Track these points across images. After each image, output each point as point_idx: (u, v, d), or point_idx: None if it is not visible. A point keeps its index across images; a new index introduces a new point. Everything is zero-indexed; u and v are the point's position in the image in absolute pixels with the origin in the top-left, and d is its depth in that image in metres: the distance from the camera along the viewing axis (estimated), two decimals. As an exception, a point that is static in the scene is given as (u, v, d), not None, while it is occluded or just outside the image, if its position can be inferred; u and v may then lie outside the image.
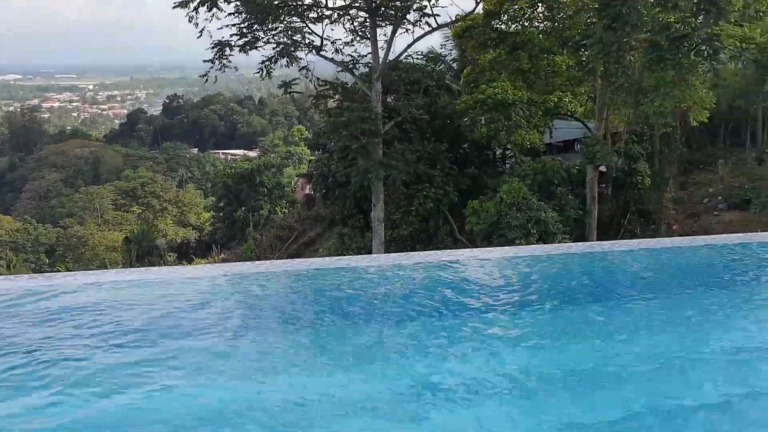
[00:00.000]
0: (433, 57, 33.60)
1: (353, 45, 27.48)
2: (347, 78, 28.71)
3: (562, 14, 26.70)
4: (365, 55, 27.08)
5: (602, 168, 28.59)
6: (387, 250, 24.50)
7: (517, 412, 3.96)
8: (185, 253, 51.84)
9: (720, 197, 29.70)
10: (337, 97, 28.63)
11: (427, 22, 26.84)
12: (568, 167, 28.54)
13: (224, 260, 38.76)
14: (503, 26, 28.19)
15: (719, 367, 4.42)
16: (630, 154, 29.92)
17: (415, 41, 27.55)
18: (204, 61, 26.08)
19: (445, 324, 5.21)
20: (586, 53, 25.07)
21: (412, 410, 3.99)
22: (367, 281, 6.29)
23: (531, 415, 3.90)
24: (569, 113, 30.99)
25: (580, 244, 7.24)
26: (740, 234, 7.75)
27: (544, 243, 20.06)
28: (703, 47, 22.28)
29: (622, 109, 26.53)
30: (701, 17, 22.41)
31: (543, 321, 5.36)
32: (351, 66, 27.20)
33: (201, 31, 25.16)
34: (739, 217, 27.27)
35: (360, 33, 27.17)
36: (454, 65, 36.20)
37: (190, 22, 24.92)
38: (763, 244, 7.06)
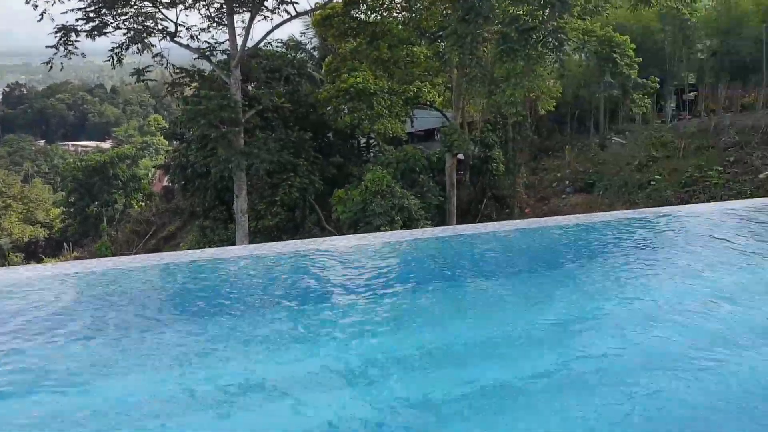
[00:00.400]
0: (293, 45, 33.31)
1: (210, 31, 26.68)
2: (205, 65, 27.84)
3: (419, 5, 27.32)
4: (222, 42, 26.37)
5: (460, 156, 29.65)
6: (252, 242, 24.09)
7: (371, 394, 4.02)
8: (33, 253, 48.34)
9: (567, 181, 31.69)
10: (194, 85, 27.68)
11: (285, 10, 26.54)
12: (429, 155, 29.35)
13: (76, 258, 36.53)
14: (363, 15, 28.44)
15: (561, 339, 4.71)
16: (485, 142, 31.22)
17: (274, 29, 27.19)
18: (47, 47, 24.31)
19: (306, 313, 5.19)
20: (443, 44, 25.82)
21: (260, 400, 3.94)
22: (225, 273, 6.15)
23: (380, 397, 3.97)
24: (428, 103, 31.86)
25: (441, 228, 7.49)
26: (585, 214, 8.30)
27: (408, 229, 20.53)
28: (550, 39, 23.58)
29: (477, 99, 27.62)
30: (547, 10, 23.71)
31: (407, 304, 5.47)
32: (208, 53, 26.39)
33: (42, 14, 23.42)
34: (585, 200, 29.24)
35: (216, 19, 26.41)
36: (316, 54, 36.10)
37: (27, 3, 23.13)
38: (605, 222, 7.60)
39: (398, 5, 28.58)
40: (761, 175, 26.05)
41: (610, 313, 5.20)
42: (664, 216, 7.84)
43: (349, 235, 7.51)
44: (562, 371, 4.22)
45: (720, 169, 27.31)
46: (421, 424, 3.63)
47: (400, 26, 28.25)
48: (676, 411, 3.70)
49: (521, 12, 23.68)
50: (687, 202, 21.83)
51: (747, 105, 34.32)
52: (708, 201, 21.43)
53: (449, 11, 25.15)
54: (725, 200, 18.29)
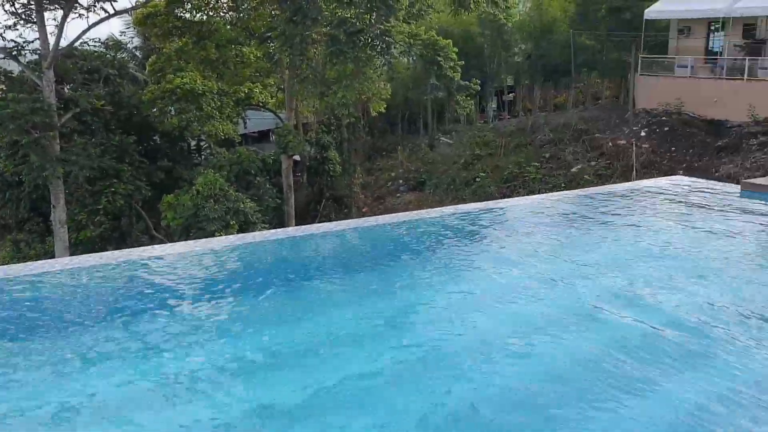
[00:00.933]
0: (114, 44, 31.42)
1: (17, 29, 24.44)
2: (13, 66, 25.49)
3: (246, 5, 26.82)
4: (32, 41, 24.27)
5: (296, 157, 29.50)
6: (73, 254, 22.39)
7: (203, 405, 3.81)
8: None
9: (401, 180, 32.61)
10: (1, 87, 25.26)
11: (102, 7, 24.92)
12: (264, 157, 28.95)
13: None
14: (187, 15, 27.44)
15: (395, 333, 4.76)
16: (321, 143, 31.33)
17: (90, 27, 25.42)
18: None
19: (138, 325, 4.84)
20: (273, 45, 25.53)
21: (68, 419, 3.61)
22: (32, 289, 5.60)
23: (221, 405, 3.78)
24: (261, 104, 31.41)
25: (279, 230, 7.37)
26: (415, 211, 8.50)
27: (245, 233, 20.08)
28: (377, 42, 24.06)
29: (310, 100, 27.61)
30: (374, 14, 24.18)
31: (244, 308, 5.27)
32: (15, 53, 24.18)
33: None
34: (417, 197, 30.26)
35: (24, 16, 24.24)
36: (138, 54, 34.31)
37: None
38: (434, 218, 7.83)
39: (225, 5, 27.87)
40: (573, 169, 28.29)
41: (444, 304, 5.33)
42: (488, 210, 8.22)
43: (178, 242, 7.16)
44: (396, 364, 4.26)
45: (537, 164, 29.32)
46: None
47: (228, 26, 27.56)
48: (507, 395, 3.84)
49: (349, 15, 23.96)
50: (509, 197, 23.22)
51: (559, 105, 37.21)
52: (527, 195, 22.91)
53: (277, 12, 24.91)
54: (542, 193, 19.65)
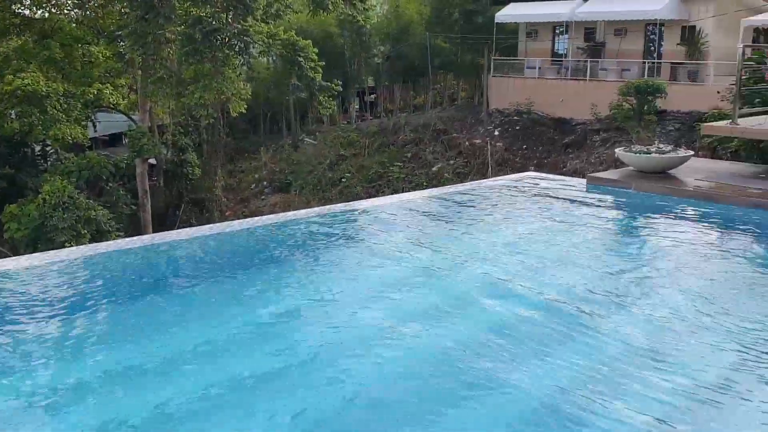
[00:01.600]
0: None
1: None
2: None
3: (92, 2, 25.39)
4: None
5: (152, 160, 28.29)
6: None
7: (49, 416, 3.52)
8: None
9: (265, 182, 32.15)
10: None
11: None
12: (116, 161, 27.51)
13: None
14: (27, 11, 25.58)
15: (269, 338, 4.64)
16: (179, 146, 30.26)
17: None
18: None
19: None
20: (123, 44, 24.34)
21: None
22: None
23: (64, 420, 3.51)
24: (111, 106, 29.83)
25: (134, 238, 6.96)
26: (283, 213, 8.36)
27: (97, 242, 18.94)
28: (235, 42, 23.57)
29: (165, 101, 26.59)
30: (231, 13, 23.66)
31: (97, 323, 4.92)
32: None
33: None
34: (283, 199, 29.95)
35: None
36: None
37: None
38: (302, 220, 7.73)
39: (69, 2, 26.23)
40: (434, 168, 29.13)
41: (318, 302, 5.27)
42: (356, 210, 8.24)
43: (23, 255, 6.58)
44: (273, 368, 4.15)
45: (400, 164, 29.94)
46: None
47: (73, 24, 25.96)
48: (392, 385, 3.84)
49: (204, 13, 23.28)
50: (374, 196, 23.53)
51: (419, 105, 38.20)
52: (392, 194, 23.31)
53: (127, 10, 23.74)
54: (406, 192, 20.07)
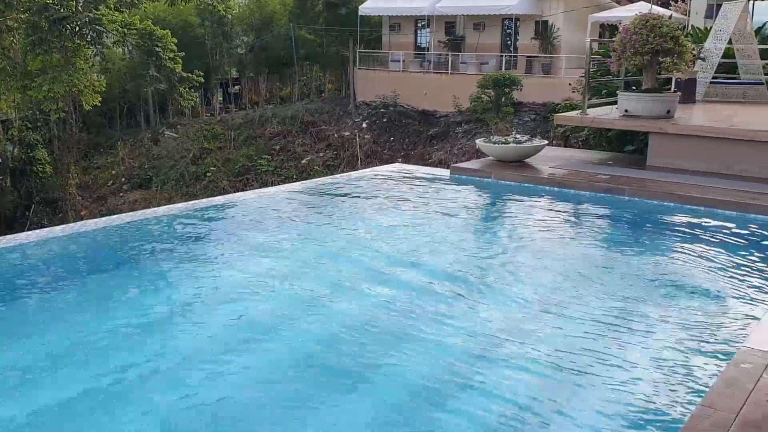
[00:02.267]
0: None
1: None
2: None
3: None
4: None
5: (-4, 158, 26.15)
6: None
7: None
8: None
9: (124, 178, 30.59)
10: None
11: None
12: (-46, 160, 25.18)
13: None
14: None
15: (137, 340, 4.39)
16: (26, 142, 28.17)
17: None
18: None
19: None
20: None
21: None
22: None
23: None
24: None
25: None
26: (143, 210, 7.94)
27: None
28: (86, 31, 22.21)
29: (9, 94, 24.63)
30: (81, 1, 22.27)
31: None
32: None
33: None
34: (144, 196, 28.65)
35: None
36: None
37: None
38: (162, 217, 7.38)
39: None
40: (303, 161, 28.95)
41: (179, 304, 5.04)
42: (222, 204, 7.99)
43: None
44: (146, 367, 3.94)
45: (268, 157, 29.51)
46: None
47: None
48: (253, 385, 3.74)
49: (51, 0, 21.73)
50: (241, 190, 23.02)
51: (285, 97, 37.76)
52: (261, 187, 22.92)
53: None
54: (276, 185, 19.77)
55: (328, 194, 8.68)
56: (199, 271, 5.84)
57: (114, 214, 8.46)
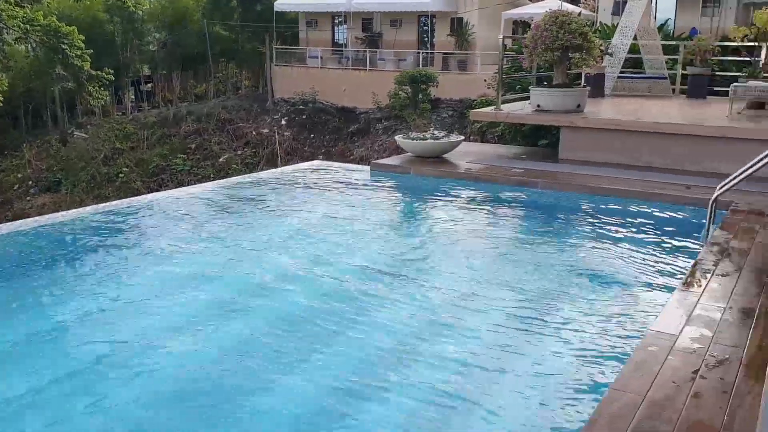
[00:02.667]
0: None
1: None
2: None
3: None
4: None
5: None
6: None
7: None
8: None
9: (31, 182, 29.18)
10: None
11: None
12: None
13: None
14: None
15: (56, 347, 4.20)
16: None
17: None
18: None
19: None
20: None
21: None
22: None
23: None
24: None
25: None
26: (52, 214, 7.57)
27: None
28: (-16, 26, 21.05)
29: None
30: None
31: None
32: None
33: None
34: (53, 199, 27.42)
35: None
36: None
37: None
38: (71, 221, 7.08)
39: None
40: (221, 159, 28.38)
41: (90, 313, 4.84)
42: (132, 206, 7.72)
43: None
44: (69, 376, 3.76)
45: (184, 156, 28.77)
46: None
47: None
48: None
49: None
50: (156, 191, 22.36)
51: (200, 94, 36.88)
52: (176, 187, 22.34)
53: None
54: (192, 185, 19.28)
55: (247, 193, 8.53)
56: (110, 277, 5.63)
57: (20, 219, 8.04)
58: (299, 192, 8.71)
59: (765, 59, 12.51)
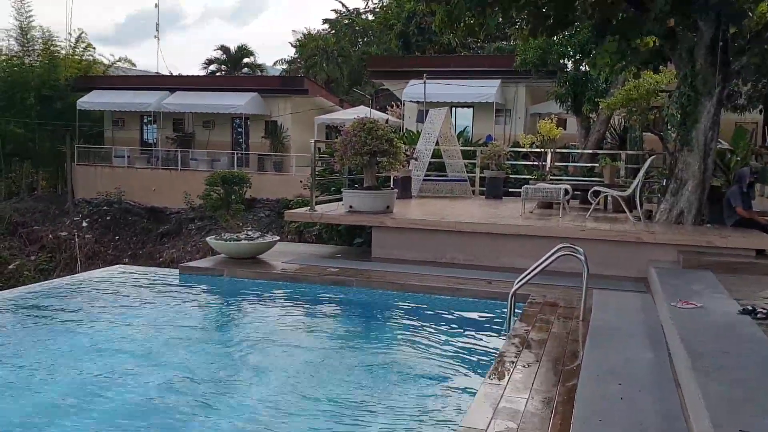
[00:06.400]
0: None
1: None
2: None
3: None
4: None
5: None
6: None
7: None
8: None
9: None
10: None
11: None
12: None
13: None
14: None
15: None
16: None
17: None
18: None
19: None
20: None
21: None
22: None
23: None
24: None
25: None
26: None
27: None
28: None
29: None
30: None
31: None
32: None
33: None
34: None
35: None
36: None
37: None
38: None
39: None
40: (11, 266, 25.78)
41: None
42: None
43: None
44: None
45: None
46: None
47: None
48: None
49: None
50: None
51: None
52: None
53: None
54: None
55: (38, 305, 7.74)
56: None
57: None
58: (99, 300, 8.06)
59: (550, 164, 14.00)
